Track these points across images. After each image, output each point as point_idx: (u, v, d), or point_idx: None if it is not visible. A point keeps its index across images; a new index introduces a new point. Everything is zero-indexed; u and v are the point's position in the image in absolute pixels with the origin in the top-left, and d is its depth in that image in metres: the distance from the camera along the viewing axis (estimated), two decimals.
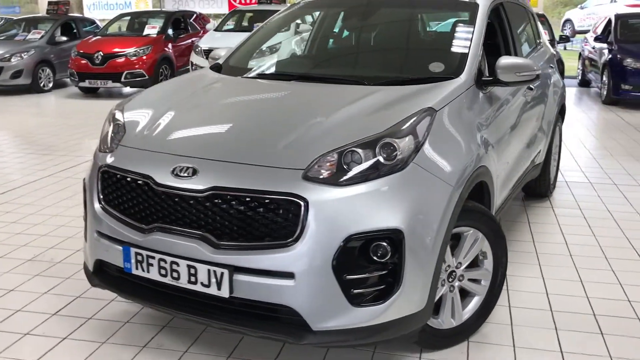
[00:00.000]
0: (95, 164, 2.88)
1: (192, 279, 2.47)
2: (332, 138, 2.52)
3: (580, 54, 13.27)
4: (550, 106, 4.70)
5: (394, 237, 2.34)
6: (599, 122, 9.27)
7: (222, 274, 2.39)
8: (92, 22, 14.83)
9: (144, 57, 11.74)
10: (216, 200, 2.42)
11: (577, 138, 7.78)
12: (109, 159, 2.79)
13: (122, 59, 11.60)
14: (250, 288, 2.39)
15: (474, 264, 2.93)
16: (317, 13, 4.26)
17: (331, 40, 4.06)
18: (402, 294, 2.40)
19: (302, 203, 2.32)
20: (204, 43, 11.46)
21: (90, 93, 12.10)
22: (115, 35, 13.04)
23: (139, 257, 2.59)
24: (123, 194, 2.68)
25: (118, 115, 3.05)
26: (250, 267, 2.37)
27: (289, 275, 2.34)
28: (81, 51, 11.69)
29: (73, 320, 3.21)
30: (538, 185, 4.95)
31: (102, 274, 2.87)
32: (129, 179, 2.65)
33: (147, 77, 11.63)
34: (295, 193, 2.34)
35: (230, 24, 12.73)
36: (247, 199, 2.38)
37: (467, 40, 3.36)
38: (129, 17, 13.95)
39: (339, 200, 2.34)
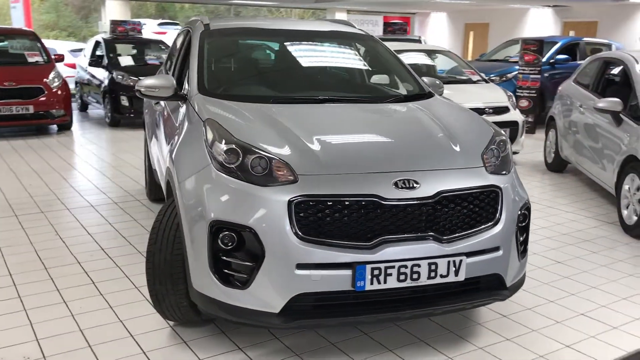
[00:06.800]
0: (270, 200, 2.71)
1: (432, 274, 2.81)
2: (469, 140, 3.23)
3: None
4: None
5: (529, 206, 3.27)
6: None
7: (460, 261, 2.85)
8: None
9: None
10: (444, 202, 2.84)
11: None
12: (302, 190, 2.71)
13: None
14: (474, 267, 2.92)
15: None
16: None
17: (293, 67, 4.27)
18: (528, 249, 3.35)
19: (499, 191, 3.01)
20: None
21: None
22: None
23: (376, 272, 2.72)
24: (337, 218, 2.71)
25: (236, 148, 2.87)
26: (476, 250, 2.91)
27: (497, 249, 2.99)
28: None
29: None
30: None
31: (287, 312, 2.75)
32: (347, 202, 2.71)
33: None
34: (495, 184, 3.01)
35: None
36: (466, 196, 2.90)
37: (402, 65, 4.32)
38: None
39: (510, 184, 3.12)
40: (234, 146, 2.90)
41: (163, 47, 12.32)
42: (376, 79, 4.38)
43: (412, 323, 3.42)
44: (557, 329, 3.46)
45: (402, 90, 4.13)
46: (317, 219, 2.71)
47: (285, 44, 4.36)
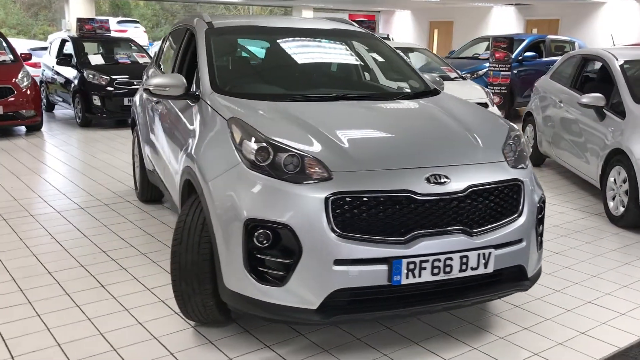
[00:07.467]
0: (306, 197, 2.73)
1: (464, 267, 2.87)
2: (488, 135, 3.30)
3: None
4: None
5: (544, 198, 3.36)
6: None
7: (489, 253, 2.92)
8: None
9: None
10: (473, 196, 2.91)
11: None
12: (338, 187, 2.73)
13: None
14: (501, 259, 2.99)
15: None
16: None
17: (300, 66, 4.25)
18: None
19: (521, 184, 3.10)
20: None
21: None
22: None
23: (411, 266, 2.76)
24: (373, 214, 2.74)
25: (267, 146, 2.87)
26: (503, 242, 2.98)
27: (520, 241, 3.07)
28: None
29: None
30: None
31: (325, 308, 2.77)
32: (382, 198, 2.75)
33: None
34: (517, 178, 3.09)
35: None
36: (493, 190, 2.98)
37: (405, 62, 4.38)
38: None
39: (529, 178, 3.21)
40: (264, 144, 2.90)
41: (133, 46, 12.11)
42: (382, 76, 4.42)
43: (433, 316, 3.48)
44: (569, 317, 3.57)
45: (409, 87, 4.19)
46: (353, 215, 2.74)
47: (290, 42, 4.36)
